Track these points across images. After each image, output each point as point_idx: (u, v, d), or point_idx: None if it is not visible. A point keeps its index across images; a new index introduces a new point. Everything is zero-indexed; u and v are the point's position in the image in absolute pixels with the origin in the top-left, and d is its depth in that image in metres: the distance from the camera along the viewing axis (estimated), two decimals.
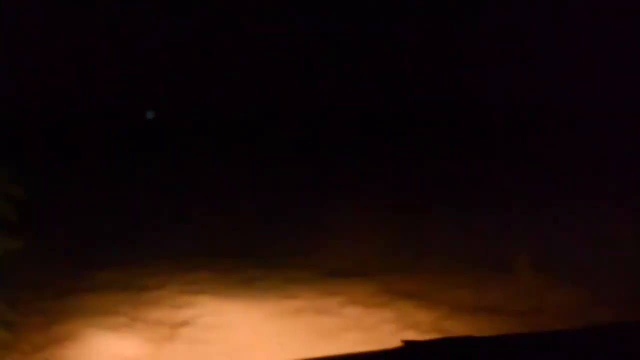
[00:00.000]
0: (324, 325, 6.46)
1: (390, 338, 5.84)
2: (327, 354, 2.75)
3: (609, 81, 11.27)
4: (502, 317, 6.56)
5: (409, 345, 2.62)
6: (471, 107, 12.61)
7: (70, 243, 9.09)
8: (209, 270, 8.33)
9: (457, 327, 6.33)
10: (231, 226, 10.15)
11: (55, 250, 8.64)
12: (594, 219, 8.54)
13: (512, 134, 12.87)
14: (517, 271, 7.48)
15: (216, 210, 10.81)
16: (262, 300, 7.24)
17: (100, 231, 9.75)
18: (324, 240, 9.36)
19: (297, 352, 5.75)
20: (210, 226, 10.15)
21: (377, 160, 12.80)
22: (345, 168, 12.55)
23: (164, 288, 7.67)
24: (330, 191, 11.17)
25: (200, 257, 8.79)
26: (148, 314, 6.86)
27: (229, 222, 10.32)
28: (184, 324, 6.61)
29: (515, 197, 10.16)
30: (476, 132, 13.25)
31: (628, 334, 2.76)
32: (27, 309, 6.68)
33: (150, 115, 13.08)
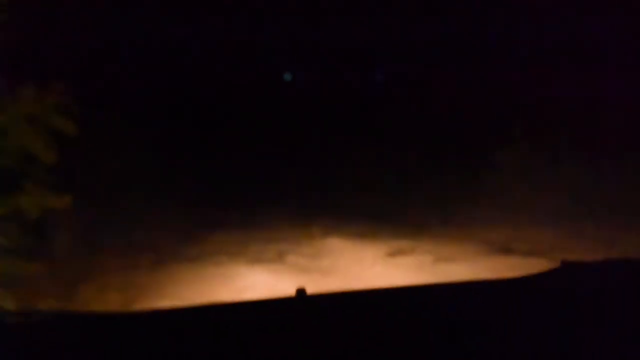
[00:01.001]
0: None
1: None
2: None
3: None
4: None
5: (566, 265, 2.51)
6: None
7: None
8: (343, 237, 6.57)
9: None
10: (368, 186, 8.16)
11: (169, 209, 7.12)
12: None
13: None
14: None
15: (353, 169, 8.73)
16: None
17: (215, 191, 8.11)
18: (482, 204, 7.24)
19: None
20: (344, 187, 8.23)
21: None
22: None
23: (280, 262, 5.99)
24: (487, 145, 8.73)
25: (333, 219, 7.06)
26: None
27: (366, 182, 8.31)
28: None
29: None
30: None
31: None
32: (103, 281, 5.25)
33: (287, 77, 11.72)
